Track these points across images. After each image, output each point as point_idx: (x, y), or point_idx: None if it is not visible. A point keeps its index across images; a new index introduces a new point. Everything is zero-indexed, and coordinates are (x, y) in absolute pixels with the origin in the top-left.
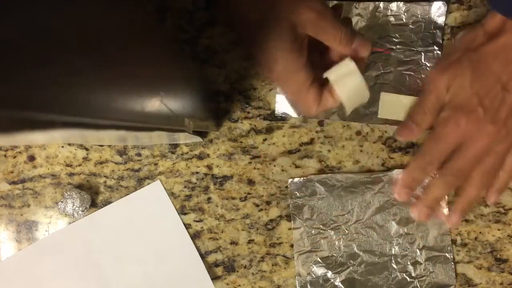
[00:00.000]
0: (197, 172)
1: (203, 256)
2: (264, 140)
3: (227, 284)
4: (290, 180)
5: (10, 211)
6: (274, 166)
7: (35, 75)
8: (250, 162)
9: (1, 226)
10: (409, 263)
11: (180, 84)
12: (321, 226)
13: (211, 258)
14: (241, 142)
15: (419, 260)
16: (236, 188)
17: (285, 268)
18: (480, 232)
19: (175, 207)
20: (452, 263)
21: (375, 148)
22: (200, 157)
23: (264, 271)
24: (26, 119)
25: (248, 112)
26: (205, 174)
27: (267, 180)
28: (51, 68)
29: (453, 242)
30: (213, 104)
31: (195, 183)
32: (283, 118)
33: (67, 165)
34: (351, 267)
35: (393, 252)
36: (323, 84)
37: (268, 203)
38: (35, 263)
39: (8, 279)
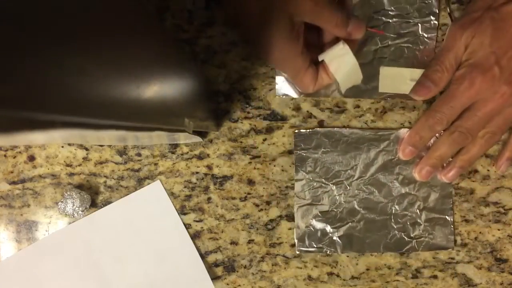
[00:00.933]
0: (197, 172)
1: (203, 256)
2: (264, 140)
3: (227, 284)
4: (296, 131)
5: (10, 211)
6: (274, 166)
7: (35, 75)
8: (250, 162)
9: (1, 226)
10: (408, 223)
11: (180, 84)
12: (323, 179)
13: (211, 258)
14: (241, 142)
15: (418, 221)
16: (236, 188)
17: (285, 268)
18: (480, 232)
19: (175, 207)
20: (452, 226)
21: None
22: (200, 157)
23: (264, 271)
24: (26, 119)
25: (248, 112)
26: (205, 174)
27: (267, 180)
28: (51, 67)
29: (454, 241)
30: (213, 104)
31: (195, 183)
32: (283, 118)
33: (67, 165)
34: (350, 223)
35: (393, 211)
36: (318, 63)
37: (268, 203)
38: (35, 263)
39: (8, 279)
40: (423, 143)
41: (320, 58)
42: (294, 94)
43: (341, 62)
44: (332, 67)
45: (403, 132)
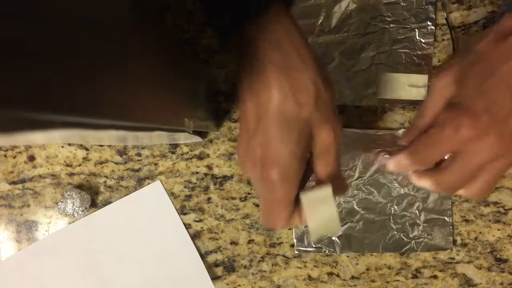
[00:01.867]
0: (197, 172)
1: (203, 256)
2: None
3: (227, 284)
4: None
5: (10, 211)
6: None
7: (36, 75)
8: None
9: (1, 226)
10: (407, 223)
11: (180, 84)
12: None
13: (211, 258)
14: None
15: (417, 221)
16: (236, 188)
17: (285, 268)
18: (480, 232)
19: (175, 207)
20: (451, 227)
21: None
22: (200, 157)
23: (264, 271)
24: (26, 119)
25: None
26: (205, 174)
27: None
28: (51, 67)
29: (454, 242)
30: (213, 104)
31: (195, 183)
32: None
33: (67, 165)
34: (349, 223)
35: (392, 212)
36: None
37: None
38: (35, 263)
39: (8, 279)
40: (402, 173)
41: (302, 196)
42: None
43: (320, 209)
44: (309, 211)
45: (403, 132)
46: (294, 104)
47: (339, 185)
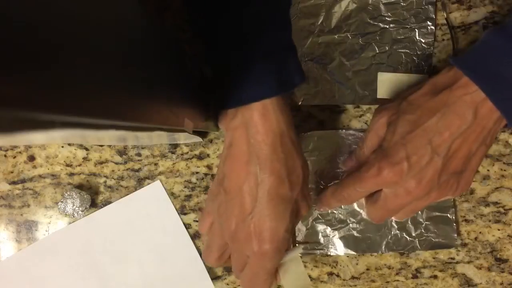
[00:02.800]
0: (197, 172)
1: None
2: None
3: (227, 284)
4: None
5: (10, 211)
6: None
7: (35, 75)
8: None
9: (1, 226)
10: (409, 222)
11: (180, 84)
12: (322, 182)
13: None
14: None
15: (419, 219)
16: None
17: None
18: (480, 232)
19: (175, 207)
20: (454, 224)
21: None
22: (200, 157)
23: None
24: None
25: None
26: (205, 174)
27: None
28: (51, 67)
29: (457, 239)
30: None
31: (195, 183)
32: None
33: (67, 165)
34: (350, 224)
35: None
36: None
37: None
38: (35, 263)
39: (8, 279)
40: (331, 208)
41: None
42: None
43: (291, 268)
44: (282, 271)
45: None
46: (288, 187)
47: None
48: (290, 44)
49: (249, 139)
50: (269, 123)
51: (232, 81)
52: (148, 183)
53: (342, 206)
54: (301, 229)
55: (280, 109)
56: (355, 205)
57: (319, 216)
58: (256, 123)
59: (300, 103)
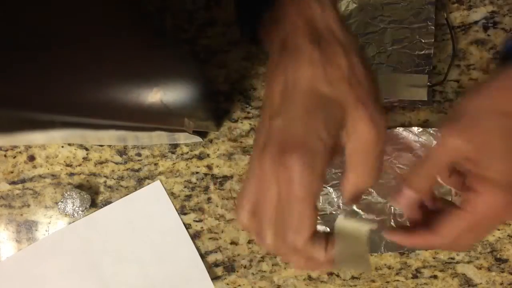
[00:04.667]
0: (197, 172)
1: (203, 256)
2: None
3: (227, 284)
4: None
5: (10, 211)
6: None
7: (35, 75)
8: None
9: (1, 226)
10: (408, 222)
11: (180, 84)
12: None
13: (211, 258)
14: (241, 142)
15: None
16: (236, 188)
17: (285, 268)
18: None
19: (175, 207)
20: None
21: None
22: (200, 157)
23: (264, 271)
24: (26, 119)
25: (248, 112)
26: (205, 174)
27: None
28: (51, 67)
29: None
30: (213, 104)
31: (195, 183)
32: None
33: (67, 165)
34: None
35: (392, 211)
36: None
37: None
38: (35, 263)
39: (8, 279)
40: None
41: (337, 220)
42: None
43: (351, 242)
44: (339, 238)
45: (398, 131)
46: (325, 80)
47: (356, 196)
48: None
49: (281, 30)
50: (304, 11)
51: None
52: (148, 183)
53: (341, 206)
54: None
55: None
56: (354, 206)
57: (318, 218)
58: (286, 9)
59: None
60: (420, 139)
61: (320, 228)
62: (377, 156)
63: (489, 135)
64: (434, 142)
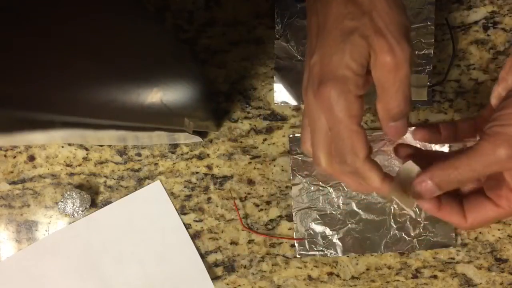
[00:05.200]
0: (197, 172)
1: (203, 256)
2: (264, 140)
3: (227, 284)
4: (290, 135)
5: (10, 211)
6: (274, 166)
7: (35, 75)
8: (250, 162)
9: (1, 226)
10: (408, 222)
11: (180, 84)
12: (320, 183)
13: (211, 258)
14: (241, 142)
15: (418, 219)
16: (236, 188)
17: (285, 268)
18: (480, 232)
19: (175, 207)
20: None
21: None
22: (200, 157)
23: (264, 271)
24: (26, 119)
25: (248, 112)
26: (205, 174)
27: (267, 180)
28: (51, 68)
29: (456, 239)
30: (213, 104)
31: (195, 183)
32: (283, 118)
33: (67, 165)
34: (349, 225)
35: (392, 211)
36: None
37: (268, 203)
38: (35, 263)
39: (8, 279)
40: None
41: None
42: (293, 101)
43: (403, 179)
44: (396, 180)
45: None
46: (347, 14)
47: (395, 127)
48: None
49: None
50: None
51: None
52: (148, 183)
53: (341, 207)
54: (300, 230)
55: None
56: (354, 206)
57: (318, 217)
58: None
59: (301, 103)
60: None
61: (320, 228)
62: (401, 80)
63: None
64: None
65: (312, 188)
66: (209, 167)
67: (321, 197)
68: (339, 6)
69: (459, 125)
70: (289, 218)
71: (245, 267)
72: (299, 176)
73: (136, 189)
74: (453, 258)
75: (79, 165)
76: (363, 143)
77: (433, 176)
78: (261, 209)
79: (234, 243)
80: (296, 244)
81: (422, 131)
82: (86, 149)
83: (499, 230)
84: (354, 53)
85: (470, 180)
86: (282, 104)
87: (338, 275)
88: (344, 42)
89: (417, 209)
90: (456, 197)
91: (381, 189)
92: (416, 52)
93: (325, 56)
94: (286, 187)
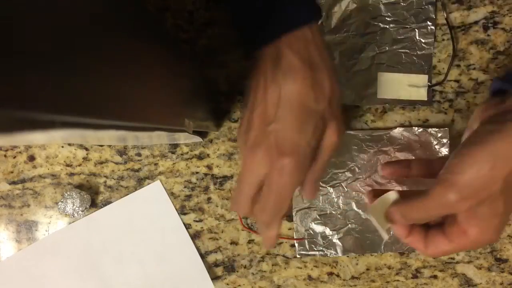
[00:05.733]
0: (197, 172)
1: (203, 256)
2: None
3: (227, 284)
4: None
5: (10, 211)
6: None
7: (36, 75)
8: None
9: (1, 226)
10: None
11: (180, 83)
12: (320, 183)
13: (211, 258)
14: None
15: None
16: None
17: (285, 268)
18: None
19: (175, 207)
20: None
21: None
22: (200, 157)
23: (264, 271)
24: (26, 119)
25: None
26: (205, 174)
27: None
28: (51, 67)
29: None
30: (213, 104)
31: (195, 183)
32: None
33: (67, 165)
34: (349, 225)
35: None
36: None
37: None
38: (35, 263)
39: (8, 279)
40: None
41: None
42: None
43: (379, 207)
44: (373, 205)
45: (397, 131)
46: (313, 98)
47: (315, 188)
48: None
49: (277, 52)
50: (297, 36)
51: (263, 19)
52: (148, 183)
53: (341, 207)
54: (300, 231)
55: (311, 30)
56: (354, 206)
57: (318, 217)
58: (283, 38)
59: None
60: (420, 139)
61: (320, 228)
62: (335, 150)
63: (492, 200)
64: (434, 143)
65: None
66: (209, 167)
67: (321, 197)
68: (306, 88)
69: (434, 163)
70: (289, 218)
71: (245, 267)
72: None
73: (136, 189)
74: (453, 258)
75: (79, 165)
76: (289, 207)
77: (400, 211)
78: None
79: (234, 243)
80: (296, 244)
81: (391, 168)
82: (86, 149)
83: None
84: (315, 132)
85: (427, 219)
86: None
87: (338, 275)
88: (308, 123)
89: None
90: (424, 227)
91: (271, 239)
92: (416, 52)
93: (287, 129)
94: None
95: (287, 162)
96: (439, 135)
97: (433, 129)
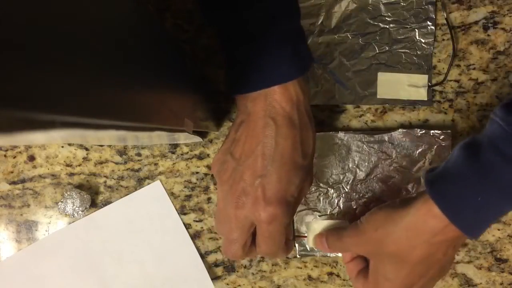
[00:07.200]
0: (197, 172)
1: (203, 256)
2: None
3: (227, 284)
4: None
5: (10, 211)
6: None
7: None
8: None
9: (1, 226)
10: None
11: (180, 84)
12: (321, 184)
13: (211, 258)
14: None
15: None
16: None
17: (285, 268)
18: None
19: (175, 207)
20: None
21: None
22: (200, 157)
23: (264, 271)
24: (26, 119)
25: None
26: (205, 174)
27: None
28: (51, 67)
29: None
30: (213, 104)
31: (195, 183)
32: None
33: (67, 165)
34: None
35: None
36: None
37: None
38: (35, 263)
39: (8, 279)
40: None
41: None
42: None
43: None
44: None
45: (398, 133)
46: (301, 155)
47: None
48: (300, 28)
49: (267, 106)
50: (288, 93)
51: (251, 68)
52: (148, 183)
53: (341, 206)
54: (300, 231)
55: (299, 84)
56: (354, 206)
57: (318, 217)
58: (275, 94)
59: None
60: (421, 141)
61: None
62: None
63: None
64: (436, 145)
65: (312, 188)
66: (209, 167)
67: (321, 198)
68: (295, 144)
69: None
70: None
71: (245, 267)
72: None
73: (136, 189)
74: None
75: (79, 165)
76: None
77: (325, 237)
78: None
79: None
80: (296, 244)
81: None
82: (86, 149)
83: (499, 230)
84: (300, 185)
85: (345, 251)
86: None
87: (338, 275)
88: (296, 176)
89: None
90: (366, 262)
91: (284, 256)
92: (416, 52)
93: (275, 183)
94: None
95: (275, 211)
96: (441, 137)
97: (436, 131)
